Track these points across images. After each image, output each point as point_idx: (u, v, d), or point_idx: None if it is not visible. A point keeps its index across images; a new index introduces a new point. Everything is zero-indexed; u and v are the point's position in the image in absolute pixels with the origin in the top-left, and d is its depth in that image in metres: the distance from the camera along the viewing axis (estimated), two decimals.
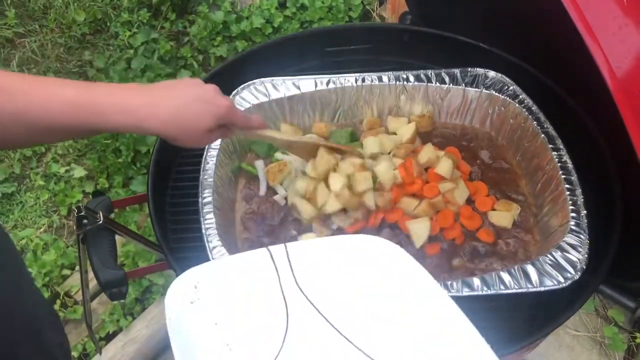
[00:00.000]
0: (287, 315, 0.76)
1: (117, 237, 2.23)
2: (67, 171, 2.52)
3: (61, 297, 2.13)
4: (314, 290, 0.80)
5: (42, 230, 2.33)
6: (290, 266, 0.82)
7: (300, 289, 0.79)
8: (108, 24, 2.83)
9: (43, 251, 2.25)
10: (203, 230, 1.14)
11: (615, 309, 2.05)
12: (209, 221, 1.16)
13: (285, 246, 0.84)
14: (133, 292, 2.13)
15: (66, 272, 2.20)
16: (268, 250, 0.83)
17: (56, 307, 2.10)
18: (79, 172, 2.51)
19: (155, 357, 2.09)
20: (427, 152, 1.30)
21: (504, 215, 1.26)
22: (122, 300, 2.14)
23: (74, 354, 2.03)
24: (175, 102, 0.94)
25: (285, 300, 0.78)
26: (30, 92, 0.84)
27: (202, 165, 1.23)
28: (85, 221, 1.14)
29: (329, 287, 0.81)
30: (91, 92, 0.88)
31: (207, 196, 1.19)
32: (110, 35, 2.81)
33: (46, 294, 2.12)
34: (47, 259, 2.20)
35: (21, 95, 0.83)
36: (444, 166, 1.27)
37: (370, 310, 0.79)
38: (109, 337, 2.07)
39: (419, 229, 1.21)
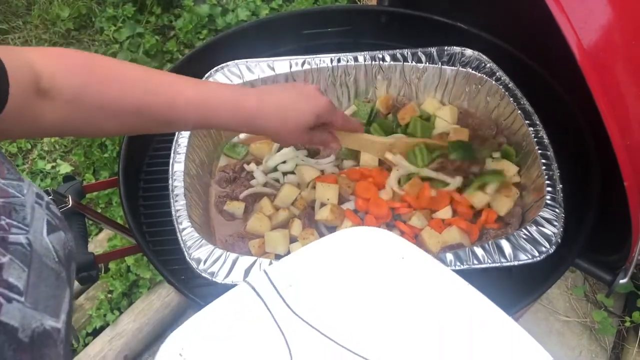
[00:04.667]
0: (289, 349, 0.69)
1: (102, 234, 2.25)
2: (53, 167, 2.50)
3: None
4: (313, 311, 0.72)
5: None
6: (278, 292, 0.74)
7: (297, 314, 0.72)
8: (93, 19, 2.81)
9: None
10: (173, 212, 1.13)
11: (604, 293, 2.03)
12: (179, 204, 1.14)
13: (266, 272, 0.76)
14: (120, 287, 2.11)
15: None
16: (248, 283, 0.75)
17: None
18: (65, 168, 2.49)
19: (142, 351, 2.08)
20: None
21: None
22: (109, 295, 2.14)
23: None
24: (280, 98, 1.01)
25: (283, 334, 0.70)
26: (155, 87, 0.89)
27: (173, 148, 1.21)
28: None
29: (329, 301, 0.73)
30: (206, 92, 0.94)
31: (177, 179, 1.17)
32: (95, 31, 2.80)
33: None
34: None
35: (145, 89, 0.88)
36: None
37: (381, 316, 0.71)
38: (96, 332, 2.06)
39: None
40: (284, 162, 1.32)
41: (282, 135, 1.03)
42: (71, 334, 0.66)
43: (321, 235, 1.20)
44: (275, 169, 1.32)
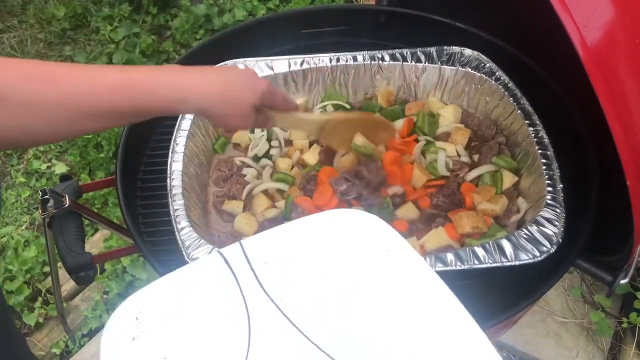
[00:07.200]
0: (249, 329, 0.65)
1: (98, 235, 2.23)
2: (48, 167, 2.49)
3: (42, 294, 2.10)
4: (284, 293, 0.68)
5: (23, 227, 2.30)
6: (252, 268, 0.70)
7: (267, 294, 0.68)
8: (89, 18, 2.80)
9: (24, 248, 2.22)
10: (171, 212, 1.11)
11: (601, 294, 2.03)
12: (177, 203, 1.13)
13: (241, 244, 0.72)
14: (116, 287, 2.10)
15: (47, 269, 2.17)
16: (220, 253, 0.71)
17: (37, 304, 2.07)
18: (60, 168, 2.48)
19: None
20: None
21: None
22: (105, 296, 2.12)
23: (56, 350, 2.00)
24: (220, 77, 0.93)
25: (247, 312, 0.66)
26: (77, 77, 0.82)
27: (171, 148, 1.20)
28: (50, 205, 1.11)
29: (303, 286, 0.69)
30: (135, 73, 0.86)
31: (176, 178, 1.16)
32: (91, 30, 2.79)
33: (27, 291, 2.09)
34: (27, 256, 2.17)
35: (68, 80, 0.81)
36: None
37: (352, 310, 0.67)
38: (92, 333, 2.04)
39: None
40: (270, 156, 1.34)
41: (227, 118, 0.96)
42: None
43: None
44: (265, 156, 1.34)
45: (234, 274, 0.69)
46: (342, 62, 1.37)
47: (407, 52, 1.38)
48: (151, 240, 1.20)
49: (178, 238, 1.08)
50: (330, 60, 1.37)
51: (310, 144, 1.36)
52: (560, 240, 1.06)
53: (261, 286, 0.69)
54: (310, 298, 0.68)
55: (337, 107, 1.41)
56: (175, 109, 0.89)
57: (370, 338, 0.65)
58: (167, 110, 0.89)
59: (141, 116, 0.88)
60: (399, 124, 1.36)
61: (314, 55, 1.37)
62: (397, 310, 0.68)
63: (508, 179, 1.25)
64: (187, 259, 1.05)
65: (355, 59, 1.37)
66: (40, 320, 2.04)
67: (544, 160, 1.17)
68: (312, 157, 1.31)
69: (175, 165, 1.18)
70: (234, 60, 1.34)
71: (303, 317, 0.66)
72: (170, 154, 1.20)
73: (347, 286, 0.70)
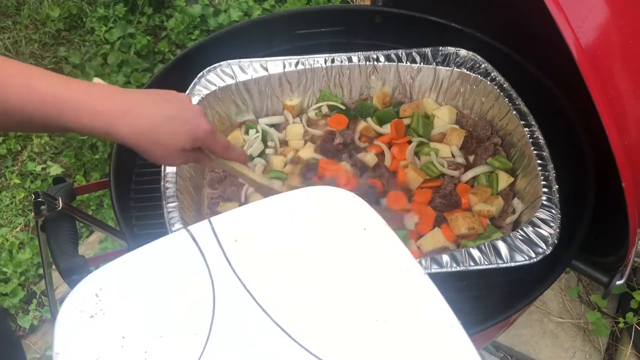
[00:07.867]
0: (214, 310, 0.63)
1: (93, 236, 2.22)
2: (43, 169, 2.48)
3: (37, 297, 2.09)
4: (254, 273, 0.65)
5: (17, 229, 2.29)
6: (220, 246, 0.68)
7: (236, 274, 0.65)
8: (83, 19, 2.79)
9: (18, 250, 2.21)
10: (165, 215, 1.11)
11: (597, 294, 2.03)
12: (171, 205, 1.12)
13: (210, 222, 0.69)
14: None
15: (42, 271, 2.15)
16: (188, 232, 0.68)
17: (32, 306, 2.06)
18: (55, 169, 2.47)
19: None
20: None
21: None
22: None
23: (49, 353, 1.99)
24: (152, 113, 0.87)
25: (214, 291, 0.64)
26: (7, 84, 0.79)
27: None
28: (43, 207, 1.10)
29: (274, 266, 0.67)
30: (66, 88, 0.82)
31: (170, 181, 1.15)
32: (86, 31, 2.77)
33: (22, 294, 2.08)
34: (22, 258, 2.16)
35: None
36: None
37: (323, 292, 0.65)
38: None
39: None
40: (266, 156, 1.34)
41: (151, 154, 0.91)
42: None
43: None
44: (261, 157, 1.34)
45: (201, 252, 0.67)
46: (337, 63, 1.36)
47: (402, 53, 1.37)
48: (145, 243, 1.19)
49: None
50: (325, 61, 1.36)
51: (305, 143, 1.36)
52: (556, 241, 1.05)
53: (230, 265, 0.66)
54: (281, 278, 0.66)
55: (332, 108, 1.40)
56: (99, 134, 0.86)
57: (338, 319, 0.63)
58: (92, 133, 0.85)
59: (70, 131, 0.84)
60: (387, 128, 1.36)
61: (309, 56, 1.36)
62: (369, 292, 0.65)
63: (504, 180, 1.25)
64: None
65: (350, 59, 1.37)
66: (35, 322, 2.04)
67: (539, 161, 1.16)
68: (307, 153, 1.31)
69: (170, 167, 1.17)
70: (229, 61, 1.33)
71: (271, 298, 0.64)
72: None
73: (318, 266, 0.67)
